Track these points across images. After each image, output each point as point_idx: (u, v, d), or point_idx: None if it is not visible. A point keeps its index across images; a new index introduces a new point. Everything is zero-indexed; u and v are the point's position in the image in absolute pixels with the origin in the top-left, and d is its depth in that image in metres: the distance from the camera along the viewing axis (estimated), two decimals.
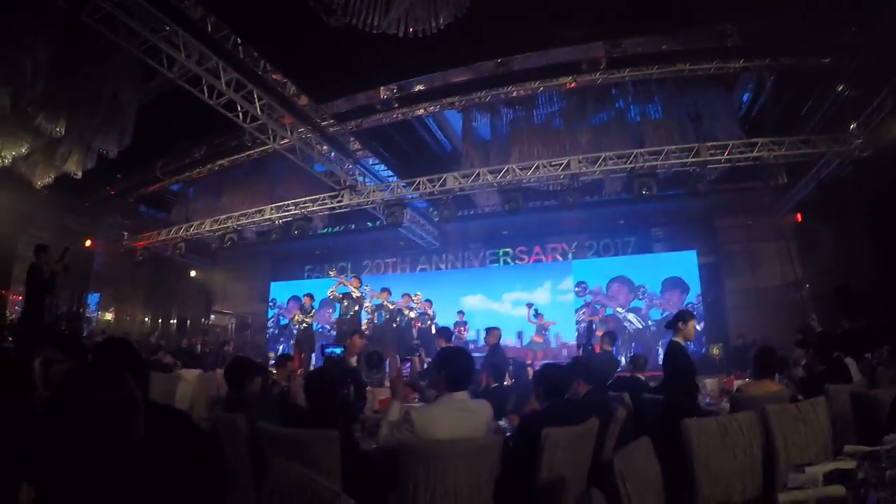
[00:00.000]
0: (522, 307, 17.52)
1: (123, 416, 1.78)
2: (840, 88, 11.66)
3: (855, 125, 11.58)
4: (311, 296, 15.89)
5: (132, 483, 1.78)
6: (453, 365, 4.05)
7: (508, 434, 4.66)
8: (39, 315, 10.19)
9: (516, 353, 15.90)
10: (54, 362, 4.22)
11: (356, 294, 14.71)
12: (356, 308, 14.69)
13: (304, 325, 15.06)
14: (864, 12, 9.65)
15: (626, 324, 17.25)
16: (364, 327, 15.24)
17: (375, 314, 15.46)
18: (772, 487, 3.38)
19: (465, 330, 16.53)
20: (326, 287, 16.00)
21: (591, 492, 3.89)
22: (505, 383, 7.94)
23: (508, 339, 16.71)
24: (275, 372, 7.24)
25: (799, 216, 14.94)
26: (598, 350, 10.09)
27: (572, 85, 12.33)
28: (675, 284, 17.18)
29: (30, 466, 2.24)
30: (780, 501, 2.42)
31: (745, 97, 13.89)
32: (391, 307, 15.16)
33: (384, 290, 15.40)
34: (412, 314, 15.20)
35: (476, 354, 9.00)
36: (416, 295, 15.87)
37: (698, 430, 3.38)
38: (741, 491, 3.37)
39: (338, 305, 15.20)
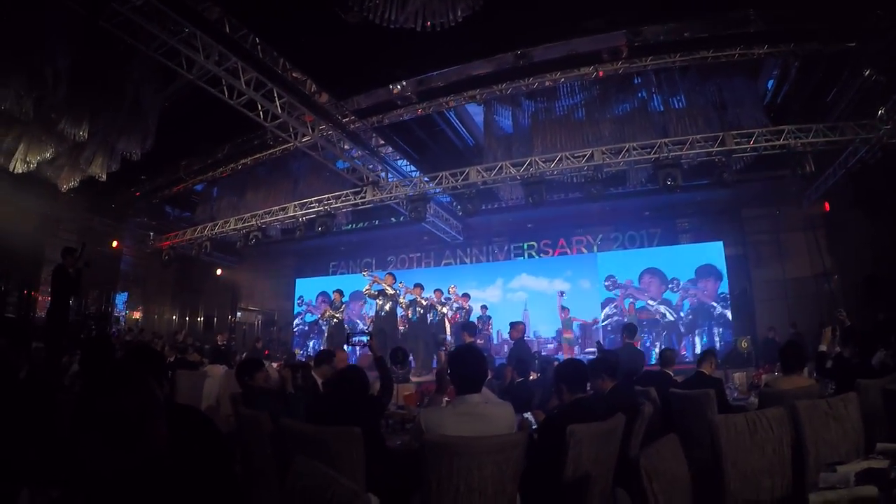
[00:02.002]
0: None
1: (144, 419, 1.82)
2: (867, 73, 11.40)
3: (883, 110, 11.32)
4: (340, 292, 16.57)
5: (154, 482, 1.82)
6: (460, 366, 3.85)
7: (534, 427, 4.62)
8: (65, 315, 10.35)
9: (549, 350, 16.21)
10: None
11: (390, 291, 14.92)
12: (390, 304, 14.96)
13: (336, 320, 15.82)
14: None
15: (658, 316, 17.09)
16: (399, 324, 15.63)
17: (410, 310, 15.53)
18: (802, 486, 3.30)
19: (489, 325, 16.55)
20: (353, 283, 17.33)
21: (615, 492, 3.82)
22: (531, 378, 7.92)
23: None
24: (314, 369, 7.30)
25: (827, 205, 14.70)
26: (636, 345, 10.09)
27: (594, 75, 12.20)
28: (709, 272, 17.00)
29: (61, 466, 2.31)
30: (811, 502, 2.35)
31: (770, 84, 13.65)
32: (424, 303, 15.34)
33: (417, 285, 15.47)
34: (444, 309, 15.32)
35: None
36: (451, 288, 16.16)
37: (727, 426, 3.30)
38: (770, 489, 3.29)
39: (373, 302, 15.57)
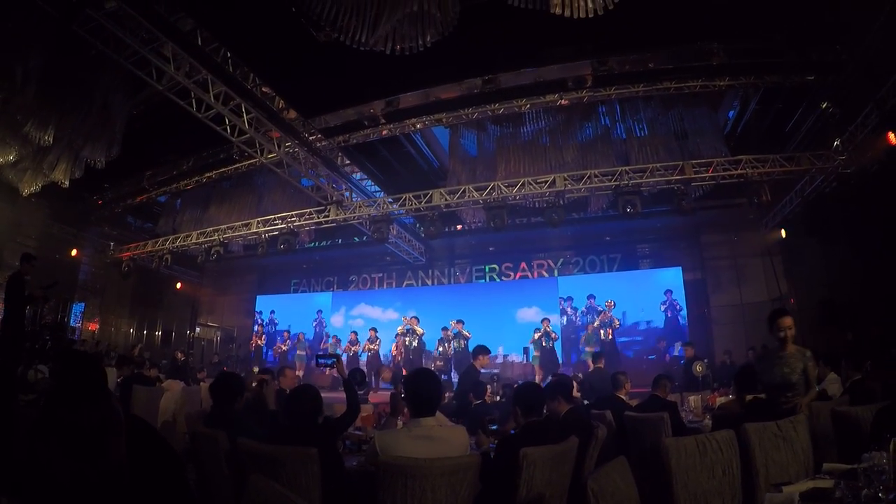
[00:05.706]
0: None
1: (104, 433, 1.80)
2: (824, 106, 11.77)
3: (839, 141, 11.64)
4: (375, 329, 19.11)
5: (113, 496, 1.80)
6: (413, 388, 3.87)
7: (492, 445, 4.64)
8: (20, 324, 10.06)
9: (522, 370, 16.98)
10: None
11: (419, 331, 18.14)
12: (417, 340, 18.18)
13: (372, 352, 18.79)
14: (848, 31, 9.78)
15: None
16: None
17: (441, 346, 17.60)
18: None
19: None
20: (311, 302, 19.92)
21: None
22: (487, 401, 8.00)
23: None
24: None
25: (783, 232, 15.00)
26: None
27: (559, 102, 12.34)
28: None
29: (16, 480, 2.27)
30: None
31: (731, 114, 14.02)
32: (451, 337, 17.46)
33: (445, 329, 17.67)
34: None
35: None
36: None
37: (677, 448, 3.35)
38: None
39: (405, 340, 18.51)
